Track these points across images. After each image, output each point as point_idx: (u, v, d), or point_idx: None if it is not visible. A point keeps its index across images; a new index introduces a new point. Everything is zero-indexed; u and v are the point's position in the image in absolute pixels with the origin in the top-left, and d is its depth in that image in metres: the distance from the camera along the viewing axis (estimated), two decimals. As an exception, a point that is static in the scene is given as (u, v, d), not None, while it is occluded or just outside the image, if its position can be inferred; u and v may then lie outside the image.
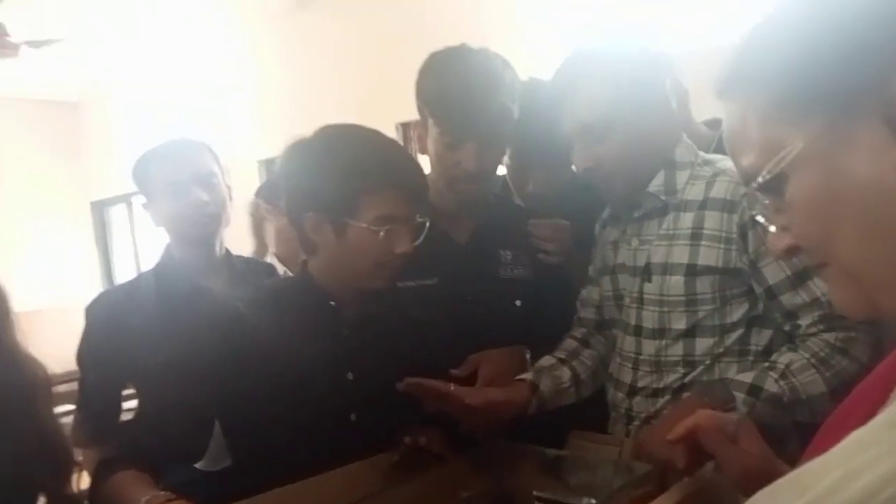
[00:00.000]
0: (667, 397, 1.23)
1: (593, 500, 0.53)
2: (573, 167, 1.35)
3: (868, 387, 0.61)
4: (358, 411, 1.19)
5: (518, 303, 1.43)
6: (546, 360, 1.35)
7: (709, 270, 1.16)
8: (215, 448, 1.22)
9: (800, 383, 1.07)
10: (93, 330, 1.54)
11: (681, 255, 1.19)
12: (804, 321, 1.12)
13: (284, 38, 4.85)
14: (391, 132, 3.98)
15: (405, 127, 4.22)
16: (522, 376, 1.30)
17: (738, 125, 0.58)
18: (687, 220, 1.20)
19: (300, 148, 1.19)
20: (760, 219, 0.59)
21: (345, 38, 4.46)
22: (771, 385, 1.08)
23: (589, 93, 1.19)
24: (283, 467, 1.05)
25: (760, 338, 1.18)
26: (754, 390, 1.09)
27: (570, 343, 1.40)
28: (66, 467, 1.15)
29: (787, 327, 1.15)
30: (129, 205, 6.13)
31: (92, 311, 1.56)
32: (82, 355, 1.56)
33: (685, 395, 1.19)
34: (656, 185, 1.23)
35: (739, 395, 1.09)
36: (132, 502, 0.97)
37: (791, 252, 0.58)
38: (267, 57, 4.96)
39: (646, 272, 1.24)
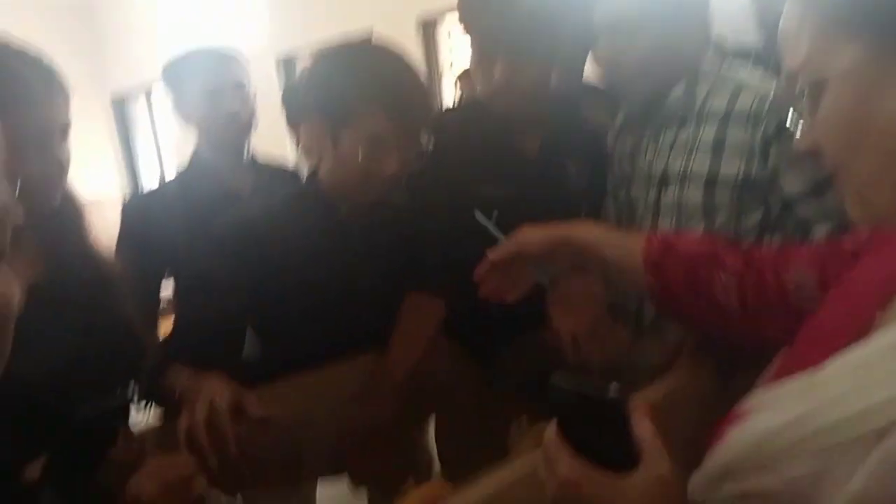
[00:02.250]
0: None
1: (616, 384, 0.57)
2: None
3: (858, 297, 0.65)
4: (370, 316, 1.29)
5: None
6: None
7: (729, 180, 1.19)
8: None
9: None
10: (128, 228, 1.63)
11: (701, 165, 1.21)
12: (816, 232, 1.16)
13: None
14: (411, 27, 3.89)
15: (426, 26, 4.11)
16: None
17: (795, 27, 0.60)
18: (709, 130, 1.21)
19: (315, 58, 1.26)
20: (789, 122, 0.62)
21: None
22: None
23: None
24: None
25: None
26: None
27: None
28: (146, 352, 1.25)
29: (797, 236, 1.19)
30: (149, 97, 6.11)
31: (127, 210, 1.65)
32: (120, 251, 1.65)
33: None
34: (677, 94, 1.24)
35: None
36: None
37: (812, 153, 0.61)
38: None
39: (662, 181, 1.27)
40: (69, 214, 1.20)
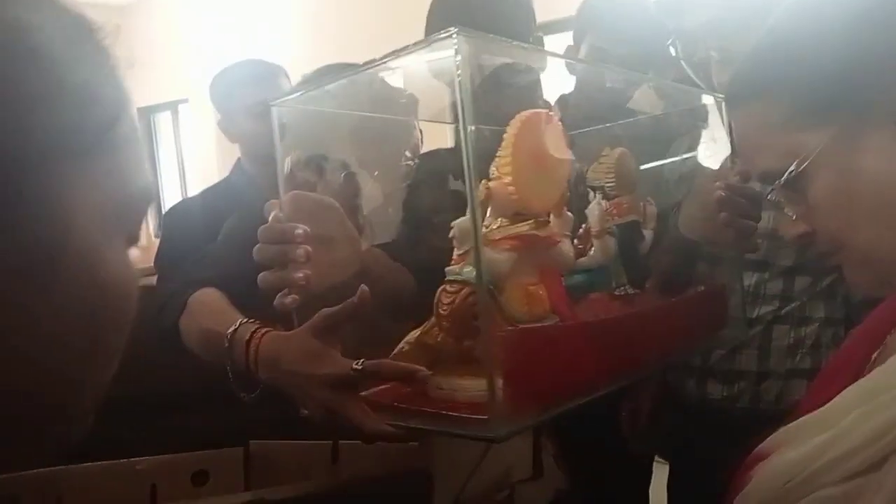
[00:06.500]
0: (757, 328, 1.24)
1: None
2: None
3: (857, 342, 0.69)
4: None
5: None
6: None
7: (809, 271, 1.18)
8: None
9: None
10: (170, 235, 1.59)
11: (786, 256, 1.19)
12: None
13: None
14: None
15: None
16: None
17: (755, 129, 0.63)
18: None
19: None
20: (786, 211, 0.64)
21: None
22: None
23: None
24: None
25: (845, 284, 1.18)
26: None
27: None
28: None
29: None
30: (176, 112, 6.12)
31: (170, 218, 1.61)
32: (161, 259, 1.60)
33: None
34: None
35: None
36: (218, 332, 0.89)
37: (804, 238, 0.63)
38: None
39: None
40: None
